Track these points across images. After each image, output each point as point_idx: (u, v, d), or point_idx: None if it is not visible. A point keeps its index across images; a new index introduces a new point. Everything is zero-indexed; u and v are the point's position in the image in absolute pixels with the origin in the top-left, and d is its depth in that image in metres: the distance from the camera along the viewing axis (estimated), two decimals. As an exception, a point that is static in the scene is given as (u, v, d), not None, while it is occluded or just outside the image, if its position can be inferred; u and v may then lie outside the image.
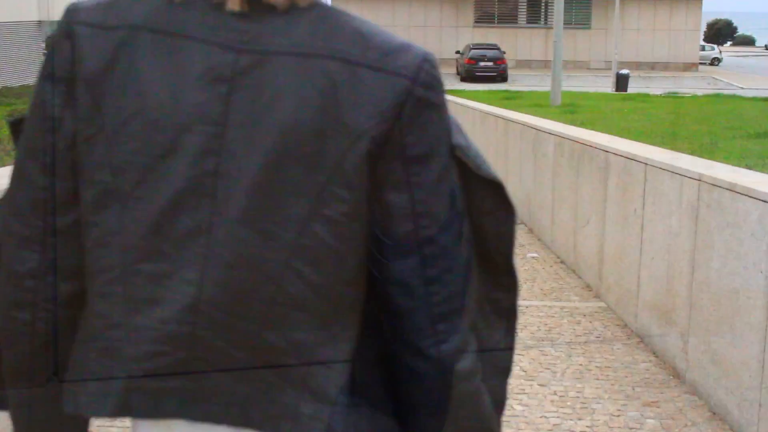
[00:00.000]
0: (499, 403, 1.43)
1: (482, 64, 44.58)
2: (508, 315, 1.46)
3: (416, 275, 1.24)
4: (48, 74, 1.25)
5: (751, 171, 4.94)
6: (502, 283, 1.41)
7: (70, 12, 1.25)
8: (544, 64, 52.39)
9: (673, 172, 5.17)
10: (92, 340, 1.26)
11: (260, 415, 1.23)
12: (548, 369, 5.13)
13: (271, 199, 1.19)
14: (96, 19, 1.23)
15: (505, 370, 1.48)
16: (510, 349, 1.48)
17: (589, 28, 54.16)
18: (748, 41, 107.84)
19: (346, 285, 1.25)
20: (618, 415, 4.49)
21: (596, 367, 5.19)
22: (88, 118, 1.22)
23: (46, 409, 1.34)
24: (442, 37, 54.37)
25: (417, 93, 1.22)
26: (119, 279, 1.22)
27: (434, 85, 1.25)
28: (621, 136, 7.96)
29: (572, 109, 14.97)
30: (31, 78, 20.32)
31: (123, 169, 1.20)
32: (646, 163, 5.63)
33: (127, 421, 1.32)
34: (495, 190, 1.32)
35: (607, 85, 37.08)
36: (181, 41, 1.20)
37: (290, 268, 1.20)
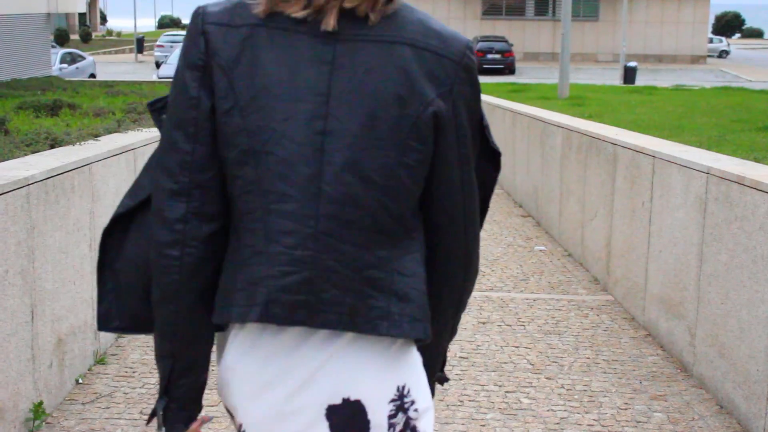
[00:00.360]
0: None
1: (490, 56, 44.46)
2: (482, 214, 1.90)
3: (460, 209, 1.74)
4: (188, 64, 1.67)
5: (760, 164, 4.92)
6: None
7: (200, 15, 1.68)
8: (552, 57, 52.29)
9: (681, 165, 5.16)
10: (241, 265, 1.65)
11: (363, 320, 1.64)
12: (555, 362, 5.13)
13: (367, 152, 1.62)
14: (223, 20, 1.66)
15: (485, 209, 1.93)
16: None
17: (597, 20, 54.00)
18: (757, 34, 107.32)
19: (413, 213, 1.71)
20: (625, 409, 4.49)
21: (603, 360, 5.18)
22: (225, 96, 1.63)
23: (186, 327, 1.72)
24: (450, 30, 54.24)
25: (461, 75, 1.68)
26: (260, 218, 1.63)
27: (471, 68, 1.71)
28: (629, 128, 7.94)
29: (580, 101, 14.91)
30: (39, 70, 20.37)
31: (255, 133, 1.62)
32: (654, 156, 5.62)
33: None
34: (494, 156, 1.83)
35: (614, 78, 36.97)
36: (292, 35, 1.62)
37: (380, 203, 1.64)
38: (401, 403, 1.73)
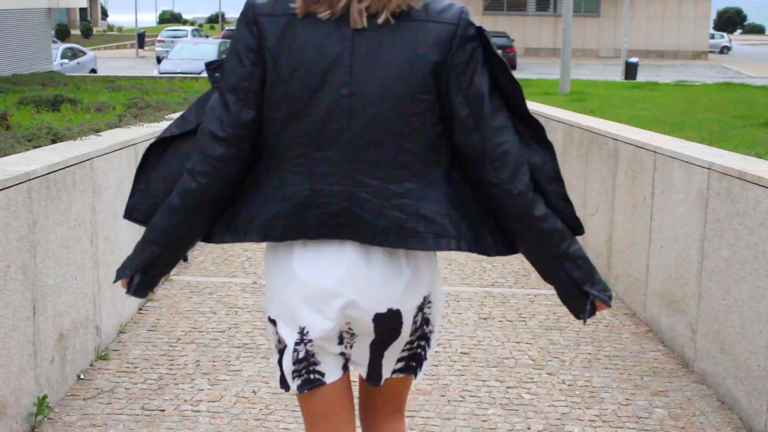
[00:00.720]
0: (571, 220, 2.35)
1: (491, 51, 44.46)
2: (545, 144, 2.28)
3: (477, 141, 2.16)
4: (244, 45, 2.15)
5: (761, 160, 4.91)
6: (532, 125, 2.26)
7: (251, 8, 2.15)
8: (553, 52, 52.24)
9: (682, 160, 5.16)
10: (289, 197, 2.16)
11: (395, 237, 2.14)
12: (557, 358, 5.13)
13: (385, 106, 2.10)
14: (268, 11, 2.13)
15: (558, 177, 2.30)
16: (553, 161, 2.29)
17: (598, 15, 53.95)
18: (758, 29, 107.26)
19: (430, 150, 2.17)
20: (626, 404, 4.49)
21: (605, 356, 5.19)
22: (272, 71, 2.13)
23: (186, 234, 2.28)
24: (451, 25, 54.23)
25: (459, 33, 2.13)
26: (304, 163, 2.15)
27: (468, 26, 2.14)
28: (630, 124, 7.93)
29: (581, 97, 14.90)
30: (40, 65, 20.36)
31: (295, 100, 2.12)
32: (655, 152, 5.61)
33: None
34: (504, 68, 2.22)
35: (616, 74, 36.94)
36: (321, 23, 2.09)
37: (400, 145, 2.13)
38: (423, 305, 2.30)
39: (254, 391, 4.56)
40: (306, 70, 2.09)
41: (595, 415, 4.35)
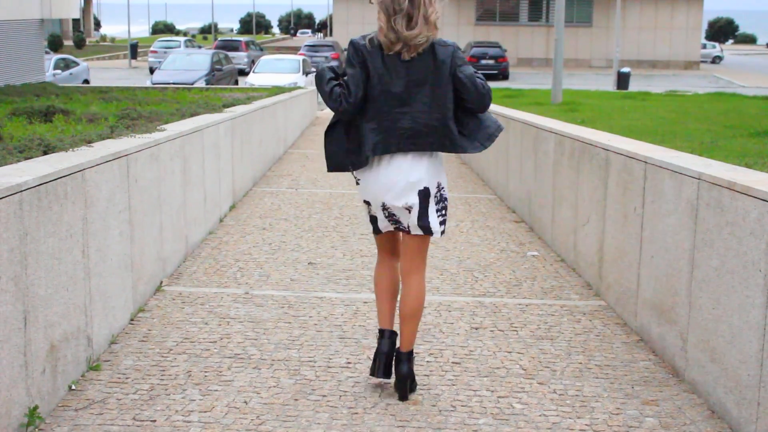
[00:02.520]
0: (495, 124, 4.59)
1: (483, 62, 44.54)
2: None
3: (471, 85, 4.40)
4: (357, 61, 4.38)
5: (751, 170, 4.94)
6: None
7: (356, 43, 4.43)
8: (546, 62, 52.39)
9: (672, 170, 5.18)
10: (377, 132, 4.38)
11: (436, 147, 4.46)
12: (548, 367, 5.14)
13: (431, 98, 4.38)
14: (364, 45, 4.40)
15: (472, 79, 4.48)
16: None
17: (590, 26, 54.14)
18: (750, 39, 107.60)
19: (452, 109, 4.44)
20: (617, 414, 4.50)
21: (596, 365, 5.20)
22: (370, 74, 4.37)
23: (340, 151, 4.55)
24: (444, 35, 54.17)
25: (456, 48, 4.45)
26: (391, 116, 4.37)
27: (458, 48, 4.46)
28: (621, 134, 7.96)
29: (573, 107, 14.93)
30: (33, 76, 20.33)
31: (380, 91, 4.37)
32: (645, 162, 5.64)
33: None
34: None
35: (608, 84, 37.04)
36: (390, 54, 4.37)
37: (442, 116, 4.40)
38: (438, 185, 4.53)
39: (246, 402, 4.56)
40: (384, 77, 4.37)
41: (586, 425, 4.36)
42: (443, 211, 4.57)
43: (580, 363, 5.23)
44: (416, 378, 4.77)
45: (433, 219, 4.51)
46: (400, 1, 4.28)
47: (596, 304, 6.44)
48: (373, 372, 4.67)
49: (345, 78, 4.35)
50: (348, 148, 4.45)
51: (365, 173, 4.47)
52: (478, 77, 4.43)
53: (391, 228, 4.62)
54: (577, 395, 4.74)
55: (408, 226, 4.52)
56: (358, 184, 4.58)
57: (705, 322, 4.64)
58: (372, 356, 4.87)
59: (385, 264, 4.77)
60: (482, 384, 4.87)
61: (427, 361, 5.19)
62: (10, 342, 3.88)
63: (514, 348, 5.45)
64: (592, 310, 6.28)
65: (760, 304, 4.04)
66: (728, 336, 4.35)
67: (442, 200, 4.55)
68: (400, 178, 4.40)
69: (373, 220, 4.68)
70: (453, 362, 5.19)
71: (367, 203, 4.60)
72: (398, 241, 4.73)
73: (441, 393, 4.71)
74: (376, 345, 4.74)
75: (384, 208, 4.50)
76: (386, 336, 4.65)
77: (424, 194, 4.43)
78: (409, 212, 4.46)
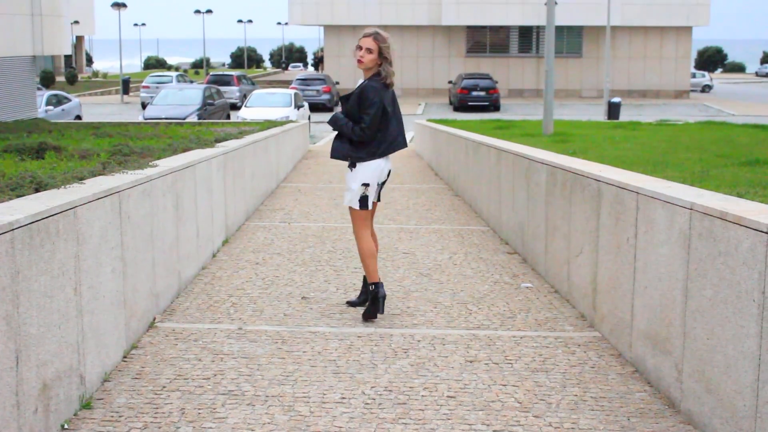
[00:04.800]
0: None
1: (475, 93, 44.73)
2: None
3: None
4: (380, 98, 6.63)
5: (742, 199, 4.95)
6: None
7: (375, 86, 6.67)
8: (537, 93, 52.63)
9: (664, 201, 5.19)
10: (380, 144, 6.77)
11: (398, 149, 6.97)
12: (543, 400, 5.12)
13: (398, 118, 6.92)
14: (376, 86, 6.68)
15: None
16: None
17: (580, 56, 54.45)
18: (739, 68, 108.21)
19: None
20: (613, 446, 4.48)
21: (591, 397, 5.18)
22: (385, 106, 6.69)
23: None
24: (435, 67, 54.60)
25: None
26: (393, 140, 6.84)
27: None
28: (613, 164, 7.99)
29: (564, 137, 14.98)
30: (25, 112, 20.35)
31: (387, 116, 6.73)
32: (637, 192, 5.65)
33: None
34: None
35: (599, 113, 37.21)
36: (385, 89, 6.78)
37: (401, 130, 6.93)
38: (387, 173, 6.98)
39: (240, 439, 4.53)
40: (385, 109, 6.63)
41: (583, 458, 4.33)
42: None
43: (576, 395, 5.21)
44: (411, 411, 4.75)
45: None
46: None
47: (591, 335, 6.43)
48: (380, 311, 6.69)
49: (368, 113, 6.61)
50: (352, 147, 6.73)
51: (367, 163, 6.72)
52: None
53: (375, 200, 6.85)
54: (573, 428, 4.71)
55: (378, 196, 6.95)
56: (352, 169, 6.74)
57: (700, 353, 4.63)
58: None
59: (369, 234, 6.87)
60: (477, 418, 4.84)
61: (422, 395, 5.16)
62: (2, 381, 3.86)
63: (509, 381, 5.44)
64: (587, 342, 6.26)
65: (755, 333, 4.03)
66: (723, 366, 4.34)
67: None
68: (388, 165, 6.90)
69: (364, 199, 6.76)
70: (448, 396, 5.17)
71: (366, 185, 6.72)
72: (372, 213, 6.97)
73: (436, 428, 4.69)
74: (368, 308, 6.70)
75: (379, 184, 6.84)
76: (381, 285, 6.70)
77: (388, 174, 7.03)
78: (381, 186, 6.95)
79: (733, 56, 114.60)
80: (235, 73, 51.43)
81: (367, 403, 5.04)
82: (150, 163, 7.26)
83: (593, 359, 5.87)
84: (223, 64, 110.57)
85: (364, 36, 6.65)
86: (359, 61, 6.62)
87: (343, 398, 5.12)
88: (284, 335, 6.35)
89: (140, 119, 26.43)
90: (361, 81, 6.76)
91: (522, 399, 5.13)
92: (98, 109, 42.97)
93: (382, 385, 5.34)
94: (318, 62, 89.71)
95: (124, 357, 5.78)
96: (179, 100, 30.20)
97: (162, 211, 6.84)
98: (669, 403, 5.05)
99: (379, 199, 6.95)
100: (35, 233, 4.27)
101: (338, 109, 6.62)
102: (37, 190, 5.30)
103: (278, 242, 10.11)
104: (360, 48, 6.62)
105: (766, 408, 3.96)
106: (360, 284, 7.69)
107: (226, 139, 11.83)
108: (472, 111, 43.39)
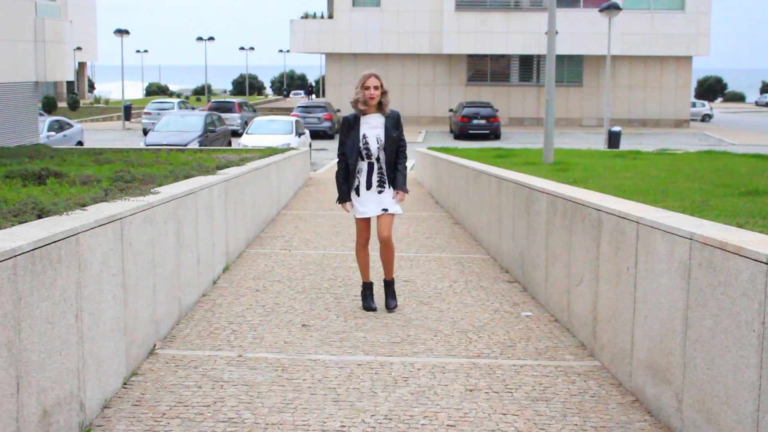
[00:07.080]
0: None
1: (475, 121, 44.83)
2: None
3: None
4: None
5: (742, 229, 4.96)
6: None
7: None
8: (537, 122, 52.76)
9: (664, 230, 5.20)
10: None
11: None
12: (543, 429, 5.12)
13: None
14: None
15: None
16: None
17: (580, 85, 54.62)
18: (739, 97, 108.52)
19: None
20: (614, 476, 4.47)
21: (591, 427, 5.17)
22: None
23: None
24: (435, 96, 54.77)
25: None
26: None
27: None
28: (613, 194, 8.01)
29: (565, 166, 15.01)
30: (27, 138, 20.40)
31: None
32: (638, 222, 5.67)
33: None
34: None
35: (599, 142, 37.28)
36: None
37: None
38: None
39: (239, 467, 4.52)
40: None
41: (583, 488, 4.32)
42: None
43: (576, 425, 5.20)
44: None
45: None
46: None
47: (591, 364, 6.43)
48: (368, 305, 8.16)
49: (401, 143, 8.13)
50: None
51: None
52: None
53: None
54: (573, 457, 4.70)
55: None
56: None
57: (700, 383, 4.63)
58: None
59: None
60: (478, 447, 4.83)
61: (422, 424, 5.16)
62: (2, 408, 3.86)
63: (510, 410, 5.43)
64: (587, 371, 6.26)
65: (755, 363, 4.04)
66: (723, 396, 4.35)
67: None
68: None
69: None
70: (448, 425, 5.16)
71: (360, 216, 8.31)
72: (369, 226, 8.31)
73: (436, 456, 4.68)
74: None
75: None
76: (370, 285, 8.32)
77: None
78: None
79: (732, 86, 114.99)
80: (236, 100, 51.61)
81: (367, 432, 5.03)
82: (152, 190, 7.28)
83: (593, 388, 5.86)
84: (225, 91, 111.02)
85: (370, 77, 8.00)
86: (371, 98, 7.90)
87: (343, 426, 5.11)
88: (284, 363, 6.35)
89: (142, 145, 26.50)
90: (353, 112, 8.23)
91: (522, 428, 5.13)
92: (100, 135, 43.08)
93: (382, 413, 5.34)
94: (310, 91, 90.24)
95: (124, 384, 5.77)
96: (181, 126, 30.26)
97: (163, 238, 6.85)
98: (669, 433, 5.04)
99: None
100: (37, 260, 4.29)
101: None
102: (39, 217, 5.32)
103: (279, 269, 10.12)
104: (368, 88, 7.91)
105: (767, 439, 3.96)
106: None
107: (228, 166, 11.87)
108: (472, 139, 43.50)
